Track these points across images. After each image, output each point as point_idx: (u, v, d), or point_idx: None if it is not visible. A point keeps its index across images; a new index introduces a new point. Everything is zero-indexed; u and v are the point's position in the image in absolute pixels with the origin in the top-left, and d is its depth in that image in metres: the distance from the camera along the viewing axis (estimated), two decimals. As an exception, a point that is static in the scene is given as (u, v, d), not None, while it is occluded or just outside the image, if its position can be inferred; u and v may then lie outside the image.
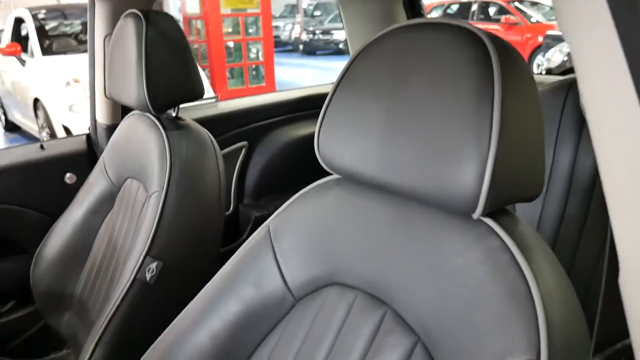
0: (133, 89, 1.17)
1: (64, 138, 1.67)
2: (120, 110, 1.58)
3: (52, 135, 4.92)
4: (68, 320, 1.37)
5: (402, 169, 0.61)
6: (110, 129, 1.53)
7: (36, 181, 1.54)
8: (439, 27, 0.60)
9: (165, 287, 1.08)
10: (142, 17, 1.17)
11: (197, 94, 1.25)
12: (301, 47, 14.30)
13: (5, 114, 6.53)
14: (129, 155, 1.29)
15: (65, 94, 4.73)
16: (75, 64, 5.02)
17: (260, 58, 7.65)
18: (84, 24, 5.96)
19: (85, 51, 4.95)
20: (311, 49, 14.03)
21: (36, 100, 5.14)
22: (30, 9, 5.60)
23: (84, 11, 5.95)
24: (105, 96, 1.55)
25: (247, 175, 1.90)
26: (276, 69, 7.84)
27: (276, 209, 0.81)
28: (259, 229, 0.81)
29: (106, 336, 1.05)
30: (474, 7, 10.69)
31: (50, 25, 5.73)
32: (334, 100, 0.69)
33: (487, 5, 10.61)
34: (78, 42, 5.70)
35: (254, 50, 7.70)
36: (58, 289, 1.36)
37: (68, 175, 1.57)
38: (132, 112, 1.33)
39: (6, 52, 5.47)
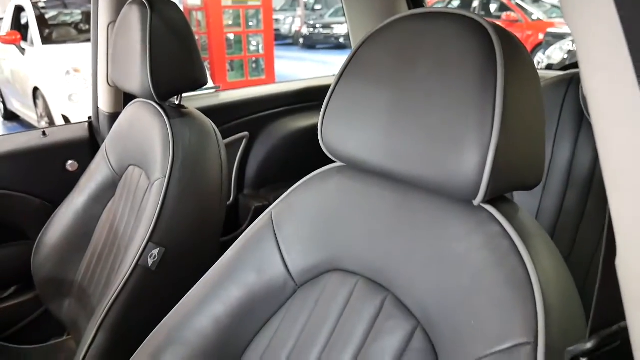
0: (137, 77, 1.18)
1: (65, 125, 1.67)
2: (123, 98, 1.58)
3: (51, 124, 4.92)
4: (68, 306, 1.38)
5: (404, 156, 0.62)
6: (113, 117, 1.54)
7: (38, 168, 1.55)
8: (444, 16, 0.61)
9: (166, 273, 1.09)
10: (147, 4, 1.18)
11: (201, 82, 1.26)
12: (301, 40, 14.27)
13: (4, 102, 6.51)
14: (131, 142, 1.29)
15: (65, 83, 4.72)
16: (75, 53, 5.01)
17: (261, 51, 7.63)
18: (84, 14, 5.94)
19: (86, 40, 4.94)
20: (311, 43, 14.00)
21: (35, 89, 5.14)
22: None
23: (84, 1, 5.97)
24: (108, 84, 1.56)
25: (247, 166, 1.91)
26: (276, 62, 7.83)
27: (276, 199, 0.82)
28: (262, 215, 0.82)
29: (108, 321, 1.06)
30: (475, 4, 10.69)
31: (50, 14, 5.71)
32: (338, 88, 0.70)
33: (489, 1, 10.60)
34: (78, 31, 5.68)
35: (254, 42, 7.69)
36: (59, 276, 1.37)
37: (70, 162, 1.57)
38: (135, 100, 1.34)
39: (6, 41, 5.45)
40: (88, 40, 5.46)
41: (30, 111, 5.50)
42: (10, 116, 6.40)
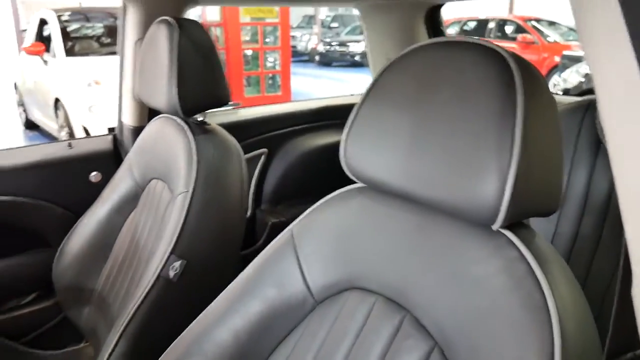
0: (164, 93, 1.22)
1: (90, 137, 1.72)
2: (147, 113, 1.62)
3: (71, 135, 5.00)
4: (88, 314, 1.40)
5: (425, 179, 0.64)
6: (136, 131, 1.58)
7: (62, 178, 1.59)
8: (465, 46, 0.63)
9: (187, 286, 1.12)
10: (174, 24, 1.22)
11: (224, 100, 1.30)
12: (317, 57, 14.40)
13: (25, 112, 6.64)
14: (155, 156, 1.33)
15: (86, 95, 4.80)
16: (96, 65, 5.11)
17: (277, 67, 7.72)
18: (106, 27, 6.07)
19: (108, 53, 5.03)
20: (327, 60, 14.12)
21: (57, 100, 5.24)
22: (56, 11, 5.71)
23: (106, 15, 6.10)
24: (134, 98, 1.60)
25: (265, 182, 1.93)
26: (292, 79, 7.91)
27: (293, 215, 0.84)
28: (282, 233, 0.84)
29: (129, 331, 1.09)
30: (491, 25, 10.73)
31: (72, 27, 5.84)
32: (361, 111, 0.73)
33: (505, 23, 10.64)
34: (100, 44, 5.80)
35: (270, 59, 7.77)
36: (79, 284, 1.40)
37: (93, 173, 1.61)
38: (160, 116, 1.37)
39: (30, 52, 5.58)
40: (109, 53, 5.59)
41: (51, 121, 5.61)
42: (31, 125, 6.52)
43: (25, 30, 7.15)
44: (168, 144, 1.27)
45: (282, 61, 7.67)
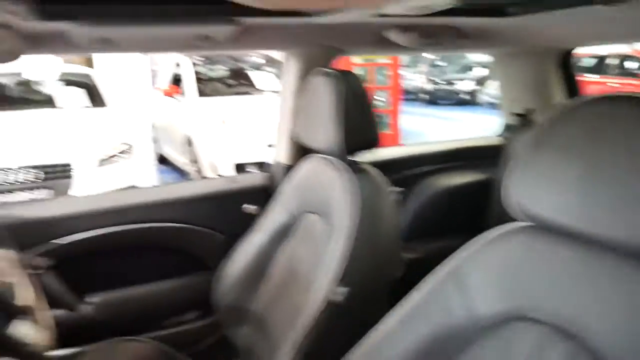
0: (325, 135, 1.37)
1: (246, 173, 1.93)
2: (299, 153, 1.79)
3: (199, 170, 5.43)
4: (245, 334, 1.55)
5: (596, 219, 0.70)
6: (288, 168, 1.75)
7: (222, 208, 1.78)
8: (632, 101, 0.70)
9: (351, 311, 1.23)
10: (335, 74, 1.37)
11: (375, 141, 1.42)
12: (425, 96, 14.45)
13: (157, 147, 7.28)
14: (310, 192, 1.47)
15: (215, 134, 5.21)
16: (224, 106, 5.54)
17: (387, 106, 7.87)
18: (231, 70, 6.59)
19: (232, 94, 5.41)
20: (434, 99, 14.12)
21: (187, 138, 5.72)
22: (188, 56, 6.30)
23: (230, 59, 6.62)
24: (289, 140, 1.78)
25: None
26: (400, 118, 8.01)
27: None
28: (444, 263, 0.92)
29: (301, 350, 1.21)
30: (611, 61, 10.23)
31: (200, 70, 6.37)
32: (526, 155, 0.80)
33: (624, 59, 10.11)
34: (226, 86, 6.29)
35: (380, 98, 7.95)
36: (238, 305, 1.56)
37: (248, 205, 1.79)
38: (313, 155, 1.52)
39: (168, 93, 6.18)
40: (234, 94, 6.01)
41: (181, 156, 6.12)
42: (161, 160, 7.14)
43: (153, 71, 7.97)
44: (325, 181, 1.40)
45: (392, 100, 7.81)
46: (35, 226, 1.57)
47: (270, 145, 5.00)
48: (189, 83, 5.99)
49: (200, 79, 6.12)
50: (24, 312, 1.22)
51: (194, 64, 6.25)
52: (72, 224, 1.61)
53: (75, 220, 1.61)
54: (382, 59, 7.67)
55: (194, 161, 5.61)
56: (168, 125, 6.59)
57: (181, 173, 6.34)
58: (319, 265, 1.30)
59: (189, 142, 5.69)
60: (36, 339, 1.17)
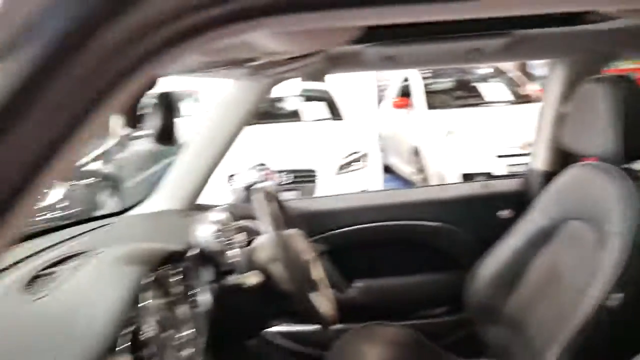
0: (598, 141, 1.36)
1: (501, 179, 1.99)
2: (560, 160, 1.79)
3: (425, 180, 5.58)
4: (498, 332, 1.61)
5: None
6: (547, 175, 1.76)
7: (476, 211, 1.87)
8: None
9: (625, 318, 1.21)
10: (610, 79, 1.36)
11: None
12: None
13: (383, 157, 7.67)
14: (575, 198, 1.47)
15: (443, 145, 5.32)
16: (450, 118, 5.62)
17: None
18: (457, 81, 6.64)
19: (459, 106, 5.44)
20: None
21: (414, 148, 5.93)
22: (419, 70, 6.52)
23: (456, 71, 6.66)
24: (549, 146, 1.79)
25: None
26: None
27: None
28: None
29: (567, 356, 1.23)
30: None
31: (429, 82, 6.54)
32: None
33: None
34: (454, 98, 6.36)
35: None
36: (490, 304, 1.62)
37: (503, 210, 1.85)
38: (580, 162, 1.52)
39: (398, 105, 6.50)
40: (461, 106, 6.04)
41: (407, 166, 6.36)
42: (385, 169, 7.50)
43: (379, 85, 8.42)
44: (597, 187, 1.39)
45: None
46: (317, 217, 1.85)
47: (499, 156, 4.91)
48: (418, 96, 6.20)
49: (428, 92, 6.29)
50: (316, 286, 1.46)
51: (424, 77, 6.44)
52: (346, 216, 1.86)
53: (349, 213, 1.86)
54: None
55: (420, 170, 5.79)
56: (394, 136, 6.90)
57: (405, 182, 6.59)
58: (590, 272, 1.30)
59: (416, 152, 5.89)
60: (326, 310, 1.40)
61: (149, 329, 0.95)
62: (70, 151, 0.35)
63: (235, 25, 0.39)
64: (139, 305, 0.95)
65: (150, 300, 1.00)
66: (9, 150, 0.33)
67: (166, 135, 0.57)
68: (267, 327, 1.79)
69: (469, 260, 1.75)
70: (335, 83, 6.38)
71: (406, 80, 6.74)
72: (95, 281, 0.99)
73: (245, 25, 0.39)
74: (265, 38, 0.61)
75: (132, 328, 0.89)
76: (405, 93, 6.65)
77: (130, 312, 0.91)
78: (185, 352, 1.05)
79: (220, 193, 1.82)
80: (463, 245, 1.87)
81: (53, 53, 0.31)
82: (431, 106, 6.00)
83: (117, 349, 0.83)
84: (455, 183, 2.04)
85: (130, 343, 0.87)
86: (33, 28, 0.32)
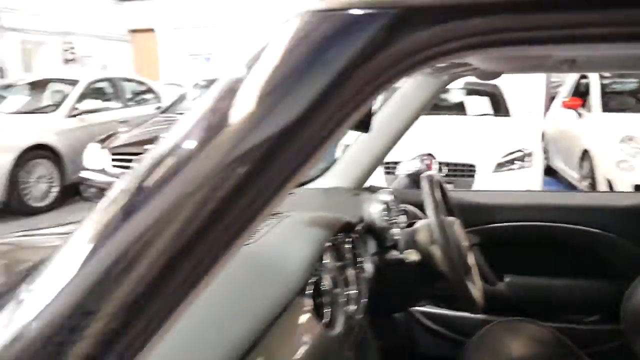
0: None
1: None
2: None
3: (592, 186, 5.23)
4: None
5: None
6: None
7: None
8: None
9: None
10: None
11: None
12: None
13: (546, 158, 7.28)
14: None
15: (617, 150, 4.93)
16: (631, 122, 5.17)
17: None
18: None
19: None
20: None
21: (584, 152, 5.57)
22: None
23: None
24: None
25: None
26: None
27: None
28: None
29: None
30: None
31: (608, 82, 6.03)
32: None
33: None
34: (637, 100, 5.82)
35: None
36: None
37: None
38: None
39: (568, 105, 6.13)
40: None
41: (572, 170, 6.00)
42: (548, 171, 7.10)
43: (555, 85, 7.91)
44: None
45: None
46: (473, 209, 1.93)
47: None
48: (595, 96, 5.79)
49: (606, 92, 5.83)
50: (470, 273, 1.57)
51: (602, 77, 5.98)
52: (502, 212, 1.92)
53: (505, 210, 1.93)
54: None
55: (587, 176, 5.44)
56: (561, 137, 6.52)
57: (567, 186, 6.21)
58: None
59: (585, 157, 5.53)
60: (477, 297, 1.50)
61: (325, 283, 1.16)
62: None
63: (467, 52, 0.48)
64: (322, 262, 1.16)
65: (328, 260, 1.21)
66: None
67: (364, 123, 0.59)
68: (415, 305, 1.94)
69: (631, 272, 1.71)
70: (506, 78, 6.17)
71: (582, 78, 6.31)
72: (289, 237, 1.22)
73: (475, 52, 0.50)
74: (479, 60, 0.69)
75: (315, 279, 1.11)
76: (578, 93, 6.24)
77: (315, 266, 1.12)
78: (350, 308, 1.24)
79: (375, 178, 1.98)
80: (626, 256, 1.83)
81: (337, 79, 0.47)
82: (606, 108, 5.58)
83: (305, 292, 1.04)
84: (621, 192, 1.98)
85: (312, 291, 1.08)
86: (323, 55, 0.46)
